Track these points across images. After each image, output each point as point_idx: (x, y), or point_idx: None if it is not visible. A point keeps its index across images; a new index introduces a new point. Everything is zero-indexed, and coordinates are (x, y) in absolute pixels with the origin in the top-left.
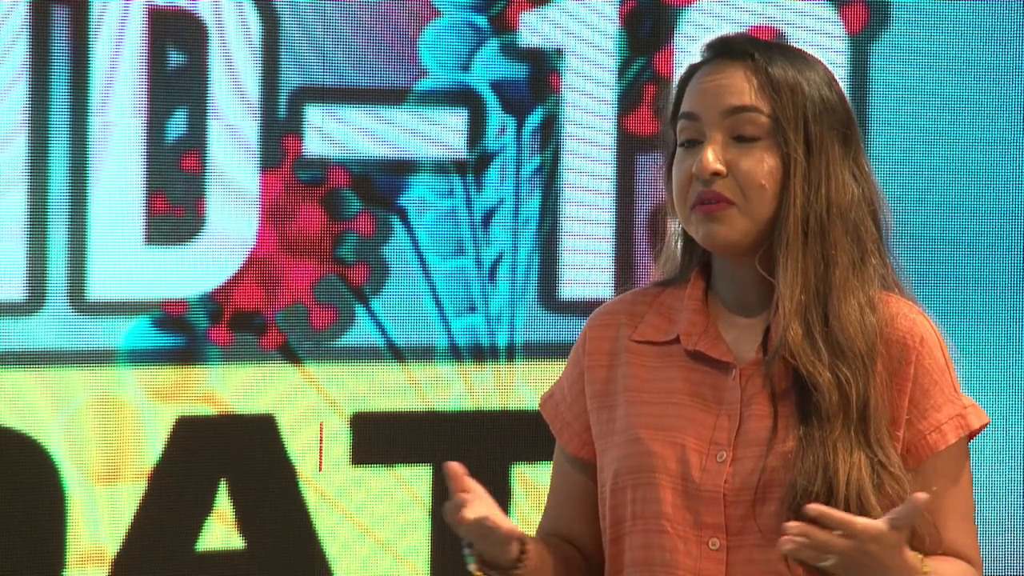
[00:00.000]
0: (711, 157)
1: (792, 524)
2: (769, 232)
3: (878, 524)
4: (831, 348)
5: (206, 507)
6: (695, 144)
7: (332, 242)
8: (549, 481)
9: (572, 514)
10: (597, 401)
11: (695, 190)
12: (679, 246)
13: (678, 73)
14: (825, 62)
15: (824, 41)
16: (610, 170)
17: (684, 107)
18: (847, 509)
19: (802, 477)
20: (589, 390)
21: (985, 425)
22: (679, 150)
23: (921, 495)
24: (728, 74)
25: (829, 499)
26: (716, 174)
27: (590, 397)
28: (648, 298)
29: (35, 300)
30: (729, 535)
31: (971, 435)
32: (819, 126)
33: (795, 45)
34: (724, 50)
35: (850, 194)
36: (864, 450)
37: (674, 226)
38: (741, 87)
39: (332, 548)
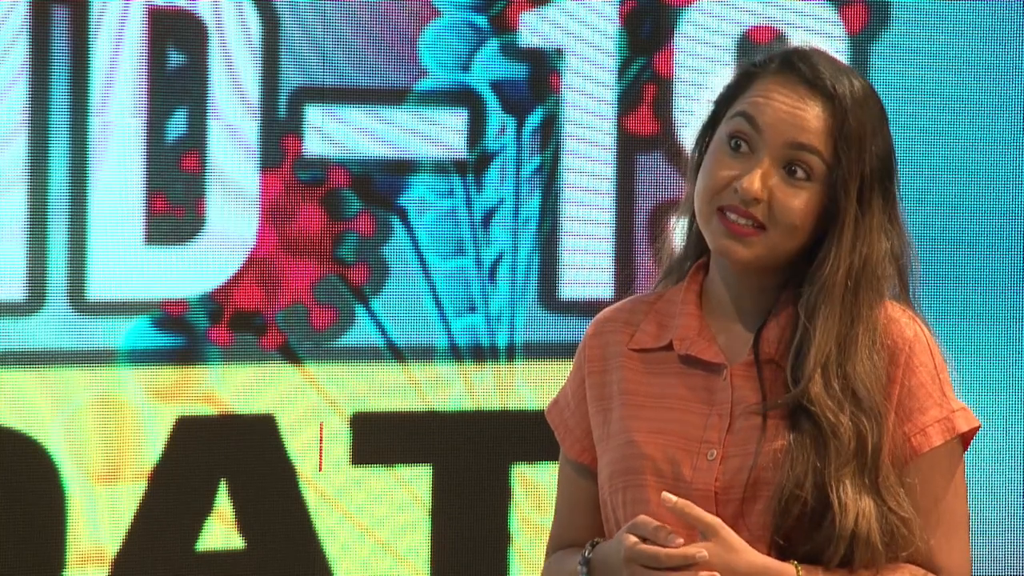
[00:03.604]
0: (758, 185)
1: None
2: (782, 261)
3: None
4: (849, 395)
5: (206, 507)
6: (743, 149)
7: (332, 242)
8: (556, 491)
9: (581, 521)
10: (595, 405)
11: (730, 199)
12: (680, 242)
13: (678, 73)
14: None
15: (824, 41)
16: (610, 170)
17: (749, 108)
18: (850, 547)
19: (790, 482)
20: (589, 395)
21: (975, 430)
22: (724, 145)
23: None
24: (806, 105)
25: (824, 512)
26: (756, 200)
27: (590, 401)
28: (645, 306)
29: (35, 300)
30: None
31: (964, 441)
32: (871, 180)
33: (854, 71)
34: (808, 76)
35: (882, 250)
36: (873, 496)
37: (675, 221)
38: (813, 125)
39: (332, 548)
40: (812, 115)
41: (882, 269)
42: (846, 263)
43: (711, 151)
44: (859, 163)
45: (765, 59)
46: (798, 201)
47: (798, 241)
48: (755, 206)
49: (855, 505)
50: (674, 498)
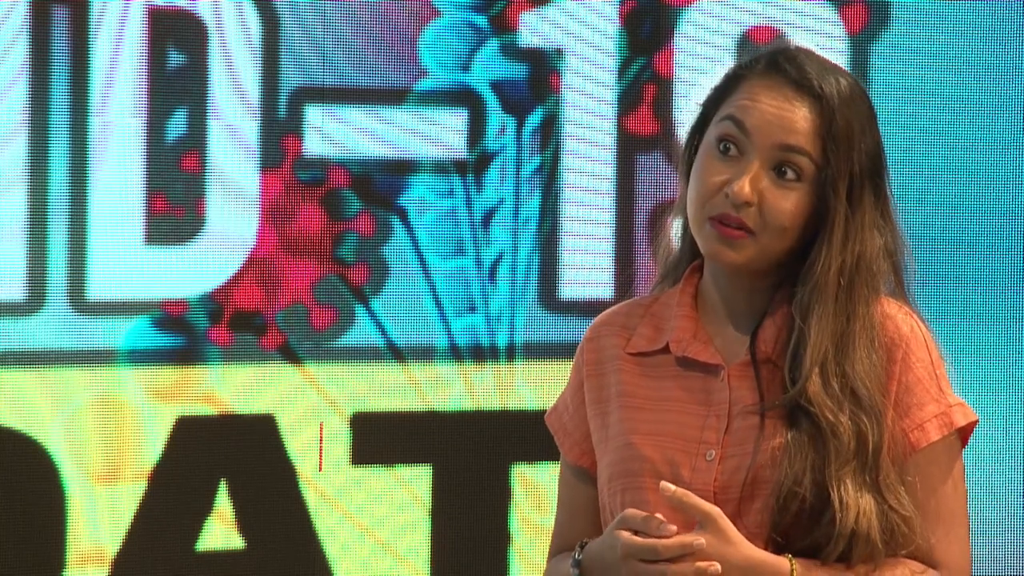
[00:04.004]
0: (748, 189)
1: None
2: (774, 263)
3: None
4: (848, 394)
5: (206, 507)
6: (732, 152)
7: (332, 242)
8: (556, 496)
9: (581, 524)
10: (593, 409)
11: (720, 204)
12: (678, 243)
13: (678, 73)
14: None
15: (824, 41)
16: (610, 170)
17: (737, 111)
18: (849, 544)
19: (788, 479)
20: (587, 398)
21: (973, 424)
22: (714, 148)
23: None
24: (792, 106)
25: (824, 508)
26: (747, 204)
27: (589, 405)
28: (641, 309)
29: (35, 300)
30: None
31: (963, 436)
32: (861, 177)
33: (843, 68)
34: (794, 77)
35: (875, 246)
36: (873, 495)
37: (676, 219)
38: (801, 126)
39: (332, 548)
40: (799, 116)
41: (877, 265)
42: (837, 261)
43: (700, 155)
44: (848, 162)
45: (751, 60)
46: (788, 203)
47: (788, 242)
48: (746, 210)
49: (856, 503)
50: (672, 487)
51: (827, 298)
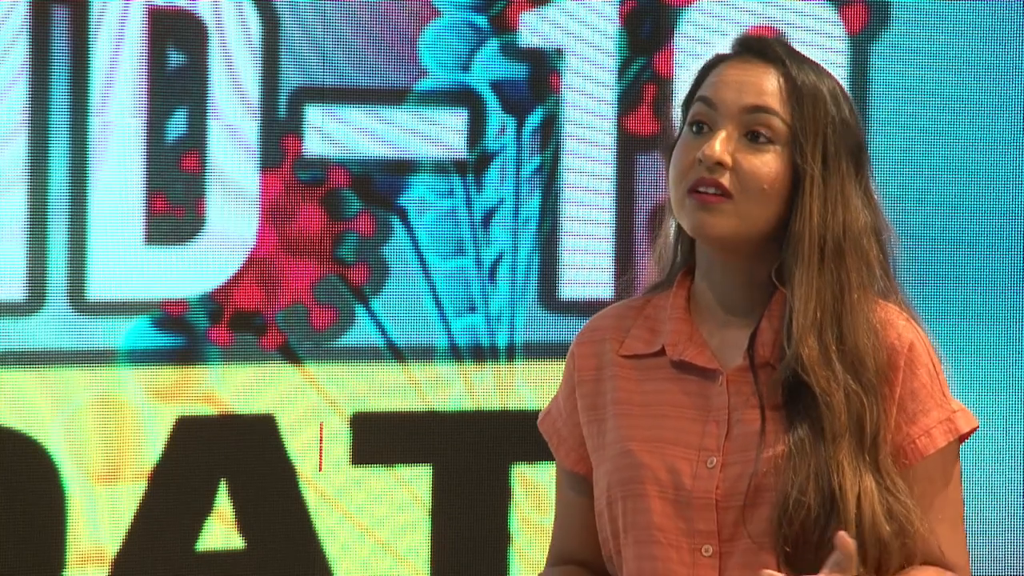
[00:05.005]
0: (719, 147)
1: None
2: (759, 238)
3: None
4: (847, 367)
5: (206, 507)
6: (705, 130)
7: (332, 242)
8: (554, 504)
9: (580, 533)
10: (588, 415)
11: (696, 173)
12: (673, 243)
13: (678, 73)
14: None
15: (824, 41)
16: (610, 170)
17: (703, 92)
18: (859, 530)
19: (792, 488)
20: (581, 404)
21: (974, 429)
22: (687, 132)
23: (845, 536)
24: (756, 73)
25: (831, 514)
26: (720, 164)
27: (582, 411)
28: (634, 312)
29: (35, 300)
30: (721, 541)
31: (961, 440)
32: (835, 145)
33: (813, 59)
34: (757, 49)
35: (862, 220)
36: (873, 475)
37: (670, 221)
38: (766, 88)
39: (332, 548)
40: (765, 80)
41: (867, 240)
42: (814, 222)
43: (678, 143)
44: (818, 123)
45: (720, 53)
46: (764, 165)
47: (770, 208)
48: (721, 173)
49: (855, 487)
50: (851, 540)
51: (809, 261)
